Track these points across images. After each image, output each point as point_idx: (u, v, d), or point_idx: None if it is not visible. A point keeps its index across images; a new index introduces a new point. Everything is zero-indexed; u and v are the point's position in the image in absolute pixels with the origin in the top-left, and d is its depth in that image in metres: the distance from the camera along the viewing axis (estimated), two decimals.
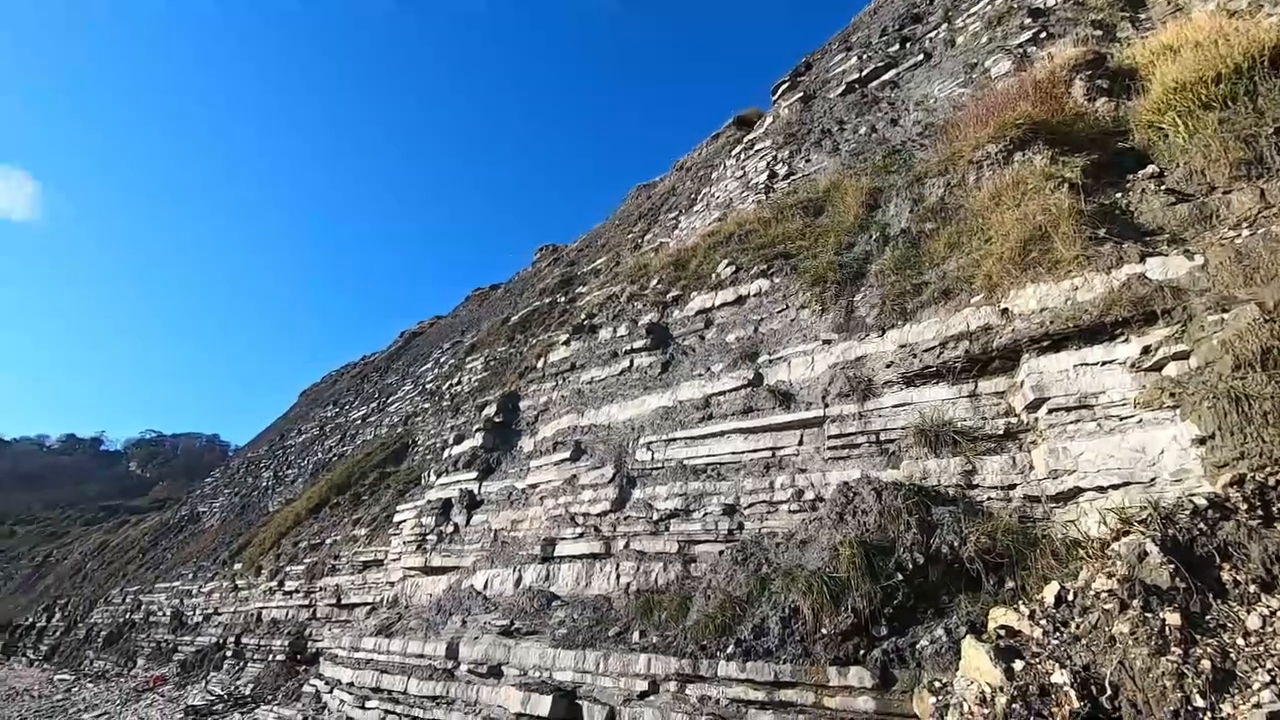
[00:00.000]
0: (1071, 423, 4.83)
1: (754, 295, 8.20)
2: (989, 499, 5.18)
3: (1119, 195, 5.81)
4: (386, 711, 7.89)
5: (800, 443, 6.58)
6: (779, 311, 7.79)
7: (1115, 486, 4.43)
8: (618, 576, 7.08)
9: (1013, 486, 5.09)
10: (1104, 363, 4.74)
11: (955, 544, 4.80)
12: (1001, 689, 3.13)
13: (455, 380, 21.28)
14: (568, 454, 8.59)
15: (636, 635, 6.10)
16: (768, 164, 12.97)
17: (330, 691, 9.28)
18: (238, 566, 20.69)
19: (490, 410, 10.97)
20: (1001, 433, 5.30)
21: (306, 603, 16.24)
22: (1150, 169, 5.86)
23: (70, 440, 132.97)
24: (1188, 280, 4.63)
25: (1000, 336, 5.35)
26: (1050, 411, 4.93)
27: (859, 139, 11.12)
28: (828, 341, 6.90)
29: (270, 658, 15.86)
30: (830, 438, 6.25)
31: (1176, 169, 5.68)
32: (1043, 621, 3.48)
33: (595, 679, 6.01)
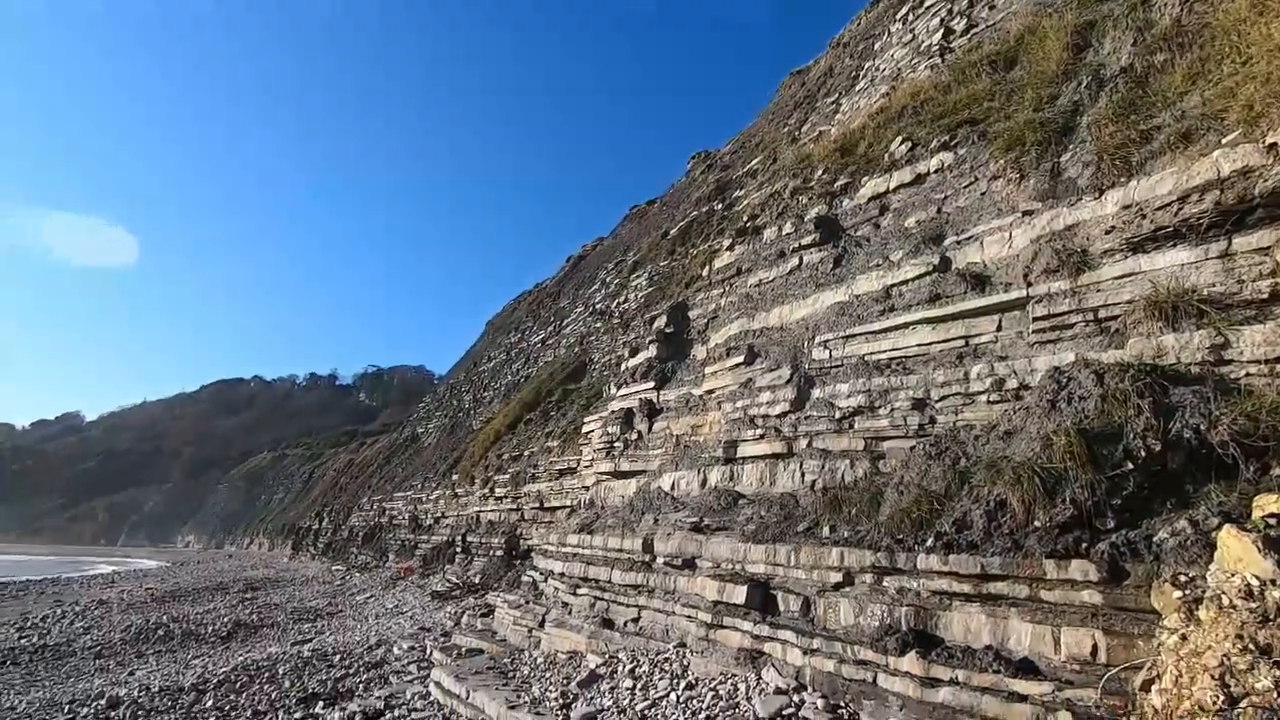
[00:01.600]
0: None
1: (935, 172, 7.41)
2: (1247, 375, 4.40)
3: None
4: (595, 598, 8.75)
5: (998, 328, 6.00)
6: (966, 186, 6.99)
7: None
8: (802, 475, 7.09)
9: None
10: None
11: (1202, 428, 4.18)
12: (1274, 581, 2.73)
13: (622, 298, 21.94)
14: (741, 358, 8.59)
15: (826, 530, 6.12)
16: (941, 20, 11.39)
17: (545, 580, 10.46)
18: (455, 477, 23.67)
19: (660, 322, 11.20)
20: (1265, 297, 4.42)
21: (515, 507, 18.27)
22: None
23: (313, 378, 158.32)
24: None
25: (1266, 179, 4.37)
26: None
27: None
28: (1029, 213, 6.09)
29: (491, 553, 18.21)
30: (1036, 320, 5.62)
31: None
32: None
33: (787, 571, 6.16)
